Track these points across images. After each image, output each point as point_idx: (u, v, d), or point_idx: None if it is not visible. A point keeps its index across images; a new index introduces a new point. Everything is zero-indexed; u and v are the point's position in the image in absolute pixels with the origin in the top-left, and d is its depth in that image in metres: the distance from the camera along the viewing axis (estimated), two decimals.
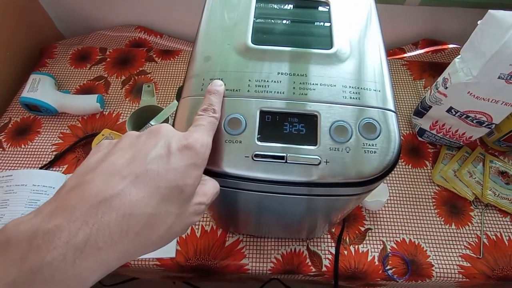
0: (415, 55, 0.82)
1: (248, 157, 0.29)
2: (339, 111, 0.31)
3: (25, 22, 0.75)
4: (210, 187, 0.28)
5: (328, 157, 0.29)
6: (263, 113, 0.31)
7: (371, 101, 0.32)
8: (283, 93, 0.32)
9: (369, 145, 0.30)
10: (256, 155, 0.29)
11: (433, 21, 0.81)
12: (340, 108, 0.31)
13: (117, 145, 0.25)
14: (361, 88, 0.32)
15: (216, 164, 0.29)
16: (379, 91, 0.33)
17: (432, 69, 0.76)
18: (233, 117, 0.31)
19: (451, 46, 0.82)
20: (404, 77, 0.76)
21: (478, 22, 0.50)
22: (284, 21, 0.38)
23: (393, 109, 0.32)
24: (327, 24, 0.37)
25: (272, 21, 0.38)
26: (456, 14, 0.78)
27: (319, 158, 0.29)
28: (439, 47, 0.82)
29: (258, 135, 0.30)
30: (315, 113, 0.31)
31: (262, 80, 0.32)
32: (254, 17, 0.37)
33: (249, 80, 0.32)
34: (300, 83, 0.32)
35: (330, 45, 0.35)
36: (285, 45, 0.35)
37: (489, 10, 0.48)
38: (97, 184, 0.22)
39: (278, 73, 0.33)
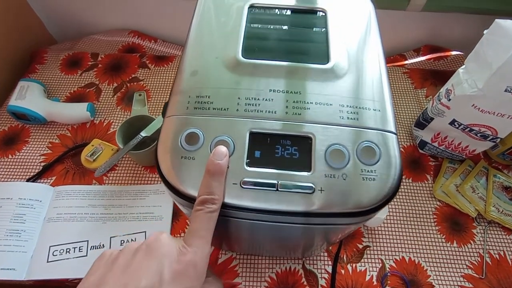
0: (416, 62, 0.80)
1: (236, 184, 0.27)
2: (336, 133, 0.29)
3: (15, 26, 0.72)
4: None
5: (323, 185, 0.27)
6: (253, 135, 0.29)
7: (370, 122, 0.30)
8: (275, 112, 0.30)
9: (368, 171, 0.28)
10: (245, 182, 0.27)
11: (435, 27, 0.79)
12: (337, 129, 0.29)
13: (114, 266, 0.25)
14: (360, 108, 0.30)
15: None
16: (379, 110, 0.30)
17: (434, 77, 0.74)
18: (220, 139, 0.28)
19: (454, 53, 0.80)
20: (405, 86, 0.73)
21: (484, 31, 0.48)
22: (278, 33, 0.36)
23: (393, 130, 0.30)
24: (323, 36, 0.35)
25: (265, 32, 0.36)
26: (459, 20, 0.75)
27: (313, 186, 0.27)
28: (441, 54, 0.80)
29: (247, 159, 0.28)
30: (310, 135, 0.29)
31: (252, 98, 0.30)
32: (245, 29, 0.35)
33: (239, 98, 0.30)
34: (294, 101, 0.30)
35: (326, 59, 0.33)
36: (278, 59, 0.32)
37: (496, 19, 0.45)
38: None
39: (270, 90, 0.31)
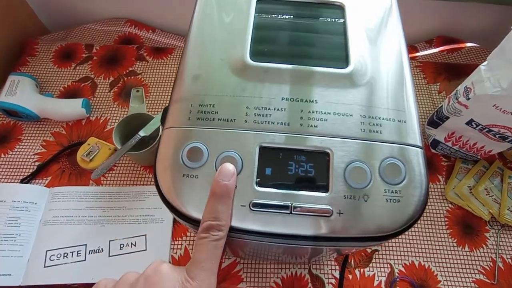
0: (428, 54, 0.76)
1: (244, 206, 0.24)
2: (356, 148, 0.26)
3: (3, 14, 0.68)
4: None
5: (342, 207, 0.24)
6: (263, 150, 0.26)
7: (394, 135, 0.27)
8: (288, 124, 0.27)
9: (392, 192, 0.25)
10: (255, 204, 0.24)
11: (449, 16, 0.74)
12: (357, 144, 0.26)
13: None
14: (384, 119, 0.27)
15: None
16: (405, 121, 0.27)
17: (448, 71, 0.70)
18: (226, 155, 0.25)
19: (469, 44, 0.75)
20: (417, 81, 0.70)
21: None
22: (290, 31, 0.32)
23: (420, 144, 0.27)
24: (341, 35, 0.31)
25: (276, 30, 0.32)
26: (475, 10, 0.71)
27: (331, 209, 0.24)
28: (456, 45, 0.76)
29: (257, 178, 0.25)
30: (327, 150, 0.26)
31: (262, 108, 0.27)
32: (253, 26, 0.31)
33: (247, 108, 0.27)
34: (309, 111, 0.27)
35: (345, 62, 0.29)
36: (291, 62, 0.29)
37: None
38: None
39: (282, 99, 0.27)
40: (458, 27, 0.76)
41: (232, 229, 0.25)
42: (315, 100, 0.27)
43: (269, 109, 0.27)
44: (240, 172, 0.25)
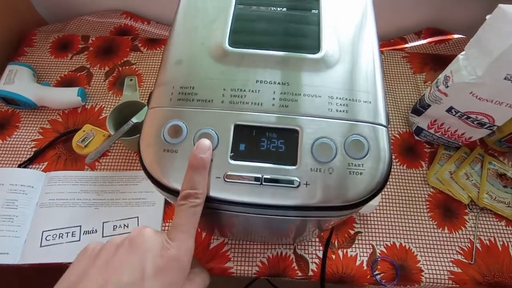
0: (416, 45, 0.77)
1: (219, 177, 0.27)
2: (324, 126, 0.28)
3: (2, 7, 0.70)
4: (197, 284, 0.28)
5: (308, 179, 0.27)
6: (238, 128, 0.28)
7: (360, 115, 0.29)
8: (261, 104, 0.29)
9: (355, 165, 0.27)
10: (228, 176, 0.27)
11: (438, 9, 0.76)
12: (325, 122, 0.28)
13: (96, 261, 0.25)
14: (350, 99, 0.29)
15: None
16: (370, 102, 0.29)
17: (434, 62, 0.72)
18: (204, 132, 0.28)
19: (456, 36, 0.77)
20: (404, 71, 0.71)
21: (487, 17, 0.46)
22: (267, 19, 0.34)
23: (384, 123, 0.29)
24: (315, 24, 0.33)
25: (253, 19, 0.34)
26: (464, 3, 0.72)
27: (298, 180, 0.26)
28: (443, 37, 0.77)
29: (231, 152, 0.27)
30: (296, 128, 0.28)
31: (238, 90, 0.29)
32: (233, 14, 0.33)
33: (224, 89, 0.29)
34: (282, 93, 0.29)
35: (317, 48, 0.31)
36: (266, 48, 0.31)
37: (500, 4, 0.43)
38: None
39: (257, 81, 0.30)
40: (447, 19, 0.78)
41: (208, 199, 0.27)
42: (287, 83, 0.29)
43: (244, 90, 0.29)
44: (216, 148, 0.27)
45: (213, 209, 0.29)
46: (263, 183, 0.26)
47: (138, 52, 0.72)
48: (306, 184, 0.26)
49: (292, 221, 0.31)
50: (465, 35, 0.77)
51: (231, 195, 0.26)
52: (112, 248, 0.26)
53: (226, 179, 0.26)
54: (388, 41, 0.79)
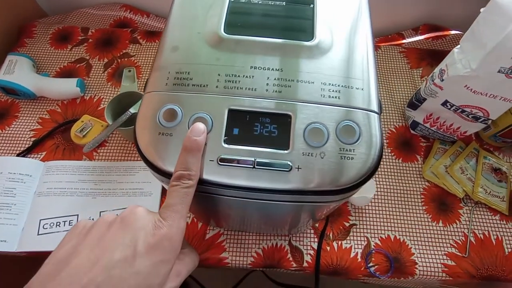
0: (414, 41, 0.78)
1: (213, 161, 0.27)
2: (316, 112, 0.28)
3: None
4: (185, 265, 0.28)
5: (300, 163, 0.27)
6: (231, 112, 0.28)
7: (352, 101, 0.29)
8: (255, 90, 0.29)
9: (347, 150, 0.27)
10: (222, 159, 0.27)
11: (436, 4, 0.76)
12: (317, 108, 0.29)
13: (87, 237, 0.25)
14: (342, 86, 0.30)
15: None
16: (362, 89, 0.30)
17: (431, 57, 0.72)
18: (198, 116, 0.28)
19: (453, 32, 0.77)
20: (401, 66, 0.72)
21: (481, 9, 0.46)
22: (263, 7, 0.34)
23: (376, 110, 0.29)
24: (310, 12, 0.34)
25: (249, 6, 0.34)
26: None
27: (290, 164, 0.27)
28: (441, 33, 0.78)
29: (225, 136, 0.28)
30: (289, 113, 0.28)
31: (232, 75, 0.30)
32: (229, 2, 0.34)
33: (219, 75, 0.30)
34: (275, 79, 0.30)
35: (311, 36, 0.32)
36: (261, 35, 0.32)
37: None
38: None
39: (251, 67, 0.30)
40: (444, 15, 0.78)
41: (201, 182, 0.27)
42: (281, 69, 0.30)
43: (239, 76, 0.30)
44: (210, 131, 0.28)
45: (206, 193, 0.29)
46: (256, 166, 0.27)
47: (137, 44, 0.73)
48: (298, 168, 0.27)
49: (285, 207, 0.32)
50: (462, 31, 0.78)
51: (224, 178, 0.27)
52: (103, 225, 0.26)
53: (219, 162, 0.27)
54: (386, 37, 0.79)
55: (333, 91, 0.29)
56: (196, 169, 0.26)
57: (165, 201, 0.27)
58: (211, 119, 0.28)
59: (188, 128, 0.28)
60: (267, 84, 0.29)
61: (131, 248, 0.24)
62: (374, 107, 0.29)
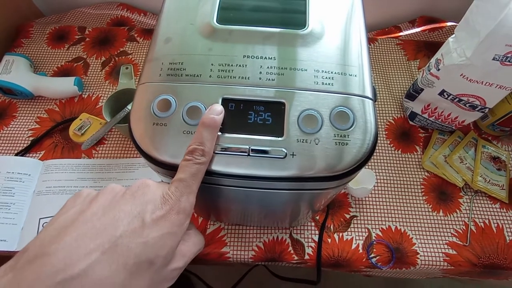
0: (411, 33, 0.78)
1: None
2: (309, 99, 0.28)
3: None
4: (191, 246, 0.27)
5: (295, 150, 0.27)
6: (225, 101, 0.28)
7: (346, 87, 0.29)
8: (248, 78, 0.29)
9: (341, 136, 0.27)
10: (217, 148, 0.27)
11: None
12: (311, 95, 0.29)
13: (92, 205, 0.24)
14: (336, 73, 0.30)
15: (174, 156, 0.27)
16: (355, 75, 0.30)
17: (428, 48, 0.72)
18: (192, 106, 0.28)
19: (449, 24, 0.77)
20: (398, 58, 0.72)
21: None
22: None
23: (370, 96, 0.29)
24: (303, 1, 0.34)
25: None
26: None
27: (285, 151, 0.27)
28: (437, 25, 0.78)
29: None
30: (283, 100, 0.28)
31: (226, 64, 0.30)
32: None
33: (212, 64, 0.30)
34: (268, 67, 0.30)
35: (304, 24, 0.32)
36: (254, 24, 0.32)
37: None
38: (59, 259, 0.21)
39: (244, 56, 0.30)
40: (440, 7, 0.78)
41: None
42: (274, 57, 0.30)
43: (232, 65, 0.30)
44: None
45: (202, 183, 0.29)
46: (251, 154, 0.27)
47: (134, 42, 0.73)
48: (293, 154, 0.27)
49: (282, 196, 0.32)
50: (458, 23, 0.77)
51: (219, 167, 0.27)
52: (110, 194, 0.25)
53: (214, 151, 0.27)
54: (383, 30, 0.79)
55: (326, 78, 0.29)
56: (210, 146, 0.26)
57: (176, 175, 0.26)
58: (205, 108, 0.28)
59: (182, 118, 0.28)
60: (260, 72, 0.29)
61: (139, 219, 0.23)
62: (368, 93, 0.29)
